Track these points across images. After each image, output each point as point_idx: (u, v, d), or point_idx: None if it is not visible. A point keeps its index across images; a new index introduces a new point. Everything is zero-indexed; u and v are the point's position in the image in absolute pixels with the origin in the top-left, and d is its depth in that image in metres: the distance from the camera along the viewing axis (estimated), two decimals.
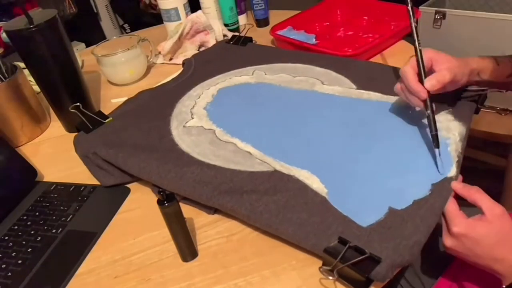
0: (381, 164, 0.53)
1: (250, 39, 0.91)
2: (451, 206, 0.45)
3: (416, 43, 0.56)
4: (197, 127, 0.65)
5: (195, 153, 0.59)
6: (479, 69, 0.57)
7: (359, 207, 0.47)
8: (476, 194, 0.46)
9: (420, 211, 0.45)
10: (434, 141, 0.52)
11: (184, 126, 0.66)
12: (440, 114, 0.58)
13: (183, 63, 0.87)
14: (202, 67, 0.83)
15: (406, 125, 0.58)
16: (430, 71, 0.54)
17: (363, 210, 0.47)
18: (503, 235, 0.43)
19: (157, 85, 0.80)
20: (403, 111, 0.60)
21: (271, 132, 0.62)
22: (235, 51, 0.88)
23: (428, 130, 0.53)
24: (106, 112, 0.71)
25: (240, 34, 0.93)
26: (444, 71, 0.53)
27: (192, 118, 0.68)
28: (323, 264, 0.43)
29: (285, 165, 0.55)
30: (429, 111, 0.53)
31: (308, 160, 0.55)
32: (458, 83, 0.55)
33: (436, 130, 0.52)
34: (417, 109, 0.56)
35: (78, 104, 0.70)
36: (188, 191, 0.53)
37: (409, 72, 0.54)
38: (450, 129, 0.55)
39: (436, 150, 0.51)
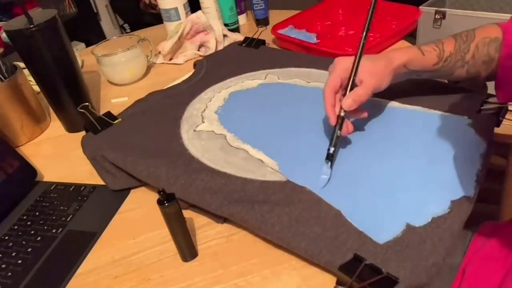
0: (399, 176, 0.51)
1: (263, 42, 0.90)
2: None
3: (360, 51, 0.55)
4: (207, 131, 0.64)
5: (205, 159, 0.58)
6: (404, 62, 0.56)
7: (375, 222, 0.45)
8: None
9: (439, 231, 0.43)
10: (327, 158, 0.53)
11: (194, 130, 0.65)
12: (460, 130, 0.56)
13: (195, 65, 0.86)
14: (213, 69, 0.82)
15: (425, 137, 0.56)
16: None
17: (380, 226, 0.45)
18: None
19: (167, 86, 0.80)
20: (424, 122, 0.58)
21: (283, 139, 0.60)
22: (247, 54, 0.87)
23: (445, 146, 0.52)
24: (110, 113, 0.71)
25: (253, 37, 0.92)
26: (360, 90, 0.53)
27: (203, 122, 0.67)
28: (337, 283, 0.42)
29: None
30: (337, 132, 0.53)
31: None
32: (382, 86, 0.55)
33: (333, 149, 0.53)
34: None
35: (87, 104, 0.70)
36: (198, 199, 0.52)
37: (326, 94, 0.54)
38: (472, 145, 0.53)
39: (327, 169, 0.52)
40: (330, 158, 0.52)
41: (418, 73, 0.59)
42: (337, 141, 0.53)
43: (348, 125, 0.55)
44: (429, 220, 0.45)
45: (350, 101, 0.52)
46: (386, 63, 0.55)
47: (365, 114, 0.56)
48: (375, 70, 0.54)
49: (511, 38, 0.54)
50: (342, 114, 0.54)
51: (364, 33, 0.55)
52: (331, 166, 0.52)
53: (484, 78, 0.59)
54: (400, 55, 0.56)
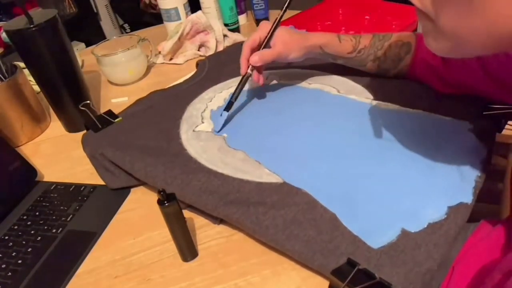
0: (396, 180, 0.50)
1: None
2: None
3: (279, 16, 0.63)
4: (206, 132, 0.64)
5: (203, 159, 0.58)
6: (320, 43, 0.64)
7: (371, 226, 0.45)
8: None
9: (434, 237, 0.43)
10: (227, 107, 0.63)
11: (193, 131, 0.64)
12: (461, 134, 0.55)
13: (197, 64, 0.86)
14: (216, 69, 0.82)
15: (425, 141, 0.55)
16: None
17: (375, 231, 0.44)
18: None
19: (169, 86, 0.80)
20: (424, 126, 0.57)
21: (282, 141, 0.60)
22: None
23: (445, 151, 0.52)
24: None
25: None
26: (268, 51, 0.63)
27: (202, 122, 0.66)
28: (330, 286, 0.42)
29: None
30: (241, 82, 0.64)
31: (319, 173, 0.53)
32: (290, 56, 0.64)
33: (235, 99, 0.64)
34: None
35: (88, 102, 0.70)
36: (194, 199, 0.52)
37: (244, 48, 0.64)
38: (472, 151, 0.52)
39: (224, 113, 0.63)
40: (229, 107, 0.64)
41: (333, 57, 0.67)
42: (240, 92, 0.64)
43: (259, 77, 0.66)
44: (425, 226, 0.44)
45: (256, 57, 0.62)
46: (302, 38, 0.64)
47: (261, 81, 0.66)
48: (288, 41, 0.63)
49: (423, 44, 0.61)
50: (249, 70, 0.64)
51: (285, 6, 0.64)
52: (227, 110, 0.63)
53: (392, 74, 0.67)
54: (318, 37, 0.64)
